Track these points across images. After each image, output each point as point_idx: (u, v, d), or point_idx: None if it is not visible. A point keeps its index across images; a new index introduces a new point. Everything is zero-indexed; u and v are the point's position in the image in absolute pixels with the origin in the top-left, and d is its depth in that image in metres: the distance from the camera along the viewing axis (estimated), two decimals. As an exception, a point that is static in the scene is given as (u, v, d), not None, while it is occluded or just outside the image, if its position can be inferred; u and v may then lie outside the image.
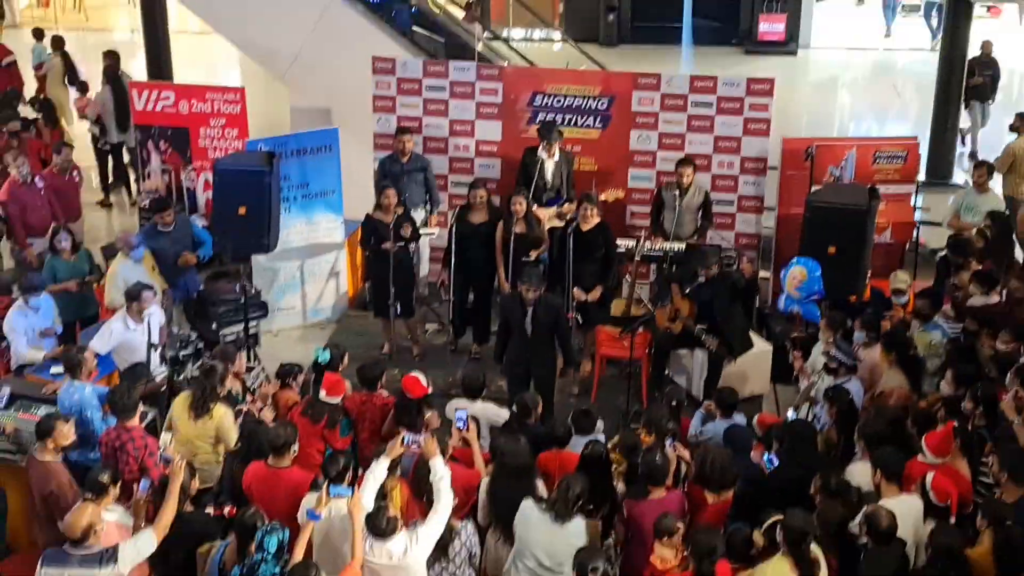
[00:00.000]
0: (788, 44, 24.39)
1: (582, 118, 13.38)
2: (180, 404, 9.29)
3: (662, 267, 12.75)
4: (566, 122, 13.35)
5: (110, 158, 16.84)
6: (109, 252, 13.33)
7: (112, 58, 16.77)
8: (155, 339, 10.54)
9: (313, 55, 14.97)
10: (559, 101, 13.37)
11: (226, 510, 8.46)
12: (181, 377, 9.81)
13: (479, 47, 15.52)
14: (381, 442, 8.89)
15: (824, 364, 10.03)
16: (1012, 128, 15.12)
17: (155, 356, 10.50)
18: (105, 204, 16.73)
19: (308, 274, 13.46)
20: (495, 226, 12.27)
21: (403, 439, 8.06)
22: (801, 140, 13.40)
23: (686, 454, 8.90)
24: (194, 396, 9.20)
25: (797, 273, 10.66)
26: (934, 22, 25.28)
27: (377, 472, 7.92)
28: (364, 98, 13.99)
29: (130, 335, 10.45)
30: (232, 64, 24.19)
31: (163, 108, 14.20)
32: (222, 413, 9.09)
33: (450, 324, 12.41)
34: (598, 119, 13.36)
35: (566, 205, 12.84)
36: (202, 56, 23.56)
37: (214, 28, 16.17)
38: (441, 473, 7.90)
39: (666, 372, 11.94)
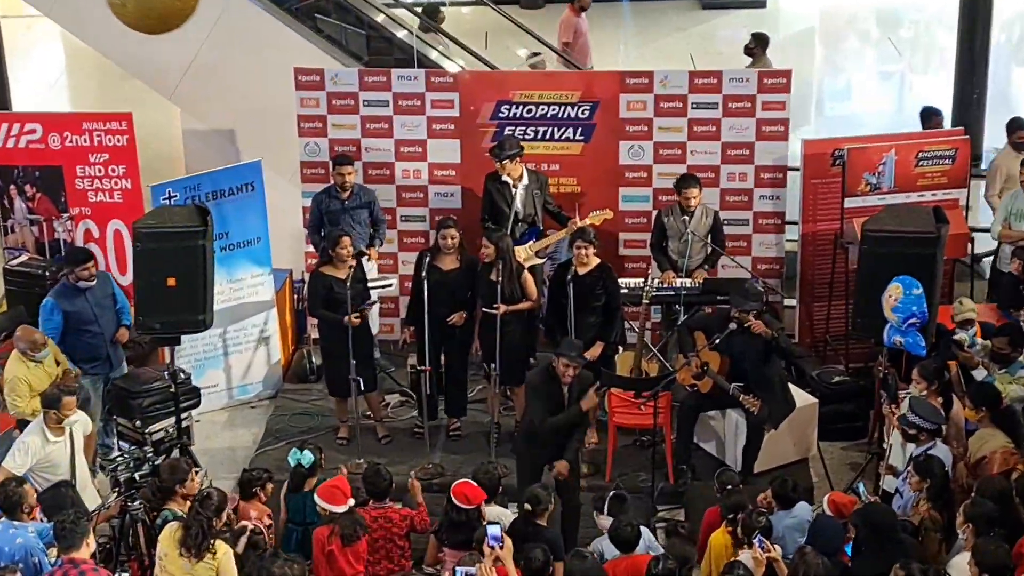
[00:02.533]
0: (754, -6, 25.16)
1: (559, 130, 13.97)
2: (168, 540, 9.61)
3: (672, 309, 13.36)
4: (540, 136, 13.96)
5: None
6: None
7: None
8: (79, 451, 10.89)
9: (209, 65, 15.20)
10: (530, 111, 13.91)
11: None
12: (137, 503, 10.14)
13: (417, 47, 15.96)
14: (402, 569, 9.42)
15: (902, 430, 10.71)
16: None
17: (82, 472, 10.85)
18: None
19: (232, 343, 13.89)
20: (469, 273, 12.78)
21: (454, 571, 8.54)
22: (824, 141, 14.11)
23: (777, 555, 9.49)
24: (189, 531, 9.51)
25: (892, 291, 11.22)
26: None
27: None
28: (280, 115, 14.41)
29: (50, 449, 10.76)
30: (45, 51, 24.15)
31: (28, 144, 14.42)
32: (225, 551, 9.49)
33: (427, 398, 12.80)
34: (579, 130, 13.96)
35: (547, 238, 13.42)
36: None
37: (82, 40, 16.35)
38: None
39: (693, 440, 12.56)
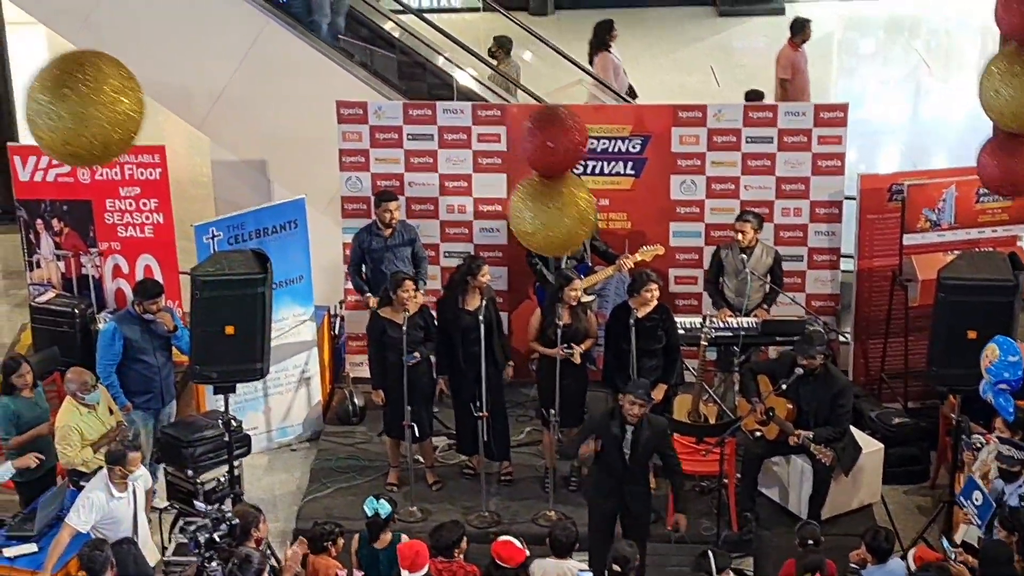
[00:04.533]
0: (772, 0, 25.65)
1: (610, 164, 14.48)
2: None
3: (730, 350, 13.84)
4: (590, 170, 14.39)
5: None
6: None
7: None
8: (141, 507, 11.33)
9: (240, 94, 15.54)
10: (580, 145, 14.36)
11: None
12: (215, 564, 10.51)
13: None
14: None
15: (999, 470, 11.26)
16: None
17: (143, 528, 11.31)
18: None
19: (272, 384, 14.29)
20: (494, 310, 13.30)
21: None
22: (882, 177, 14.65)
23: None
24: None
25: (989, 352, 11.62)
26: None
27: None
28: (313, 145, 14.83)
29: (114, 505, 11.22)
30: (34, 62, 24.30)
31: (56, 178, 14.83)
32: None
33: (482, 445, 13.20)
34: (630, 165, 14.46)
35: (595, 275, 13.94)
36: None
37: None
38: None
39: (757, 487, 13.03)
